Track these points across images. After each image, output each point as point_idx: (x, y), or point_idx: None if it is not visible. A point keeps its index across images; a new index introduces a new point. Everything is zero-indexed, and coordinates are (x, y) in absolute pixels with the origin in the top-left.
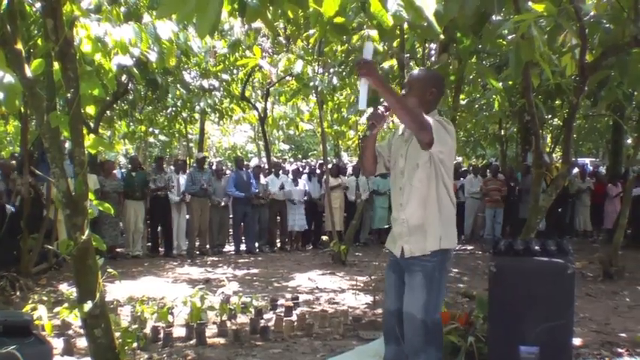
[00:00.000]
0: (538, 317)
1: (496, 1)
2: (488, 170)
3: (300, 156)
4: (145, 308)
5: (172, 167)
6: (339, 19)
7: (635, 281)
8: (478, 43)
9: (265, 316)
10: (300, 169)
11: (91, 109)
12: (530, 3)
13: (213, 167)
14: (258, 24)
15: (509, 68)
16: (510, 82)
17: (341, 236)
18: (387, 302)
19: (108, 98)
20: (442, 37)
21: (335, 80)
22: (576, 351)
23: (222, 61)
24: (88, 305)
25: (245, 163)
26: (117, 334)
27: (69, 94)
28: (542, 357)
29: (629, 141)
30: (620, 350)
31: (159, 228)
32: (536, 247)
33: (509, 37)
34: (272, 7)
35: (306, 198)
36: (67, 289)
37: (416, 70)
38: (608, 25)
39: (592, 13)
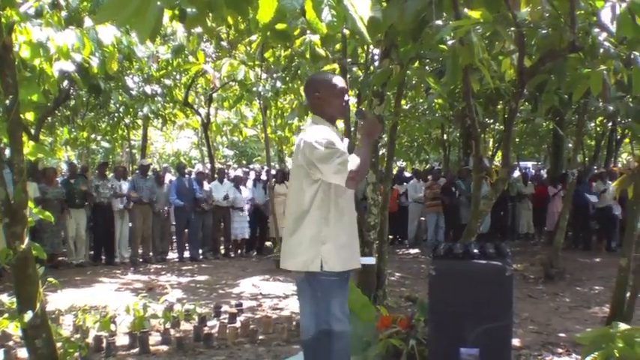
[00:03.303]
0: (478, 319)
1: (434, 7)
2: (430, 175)
3: (244, 162)
4: (87, 317)
5: (112, 174)
6: (280, 26)
7: (576, 282)
8: (420, 49)
9: (209, 323)
10: (243, 176)
11: (30, 116)
12: (466, 10)
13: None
14: (200, 29)
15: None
16: (451, 87)
17: None
18: None
19: (49, 104)
20: (383, 42)
21: (279, 85)
22: (518, 352)
23: (165, 66)
24: (28, 315)
25: (188, 169)
26: (58, 344)
27: (7, 101)
28: (483, 358)
29: (570, 145)
30: (560, 350)
31: (102, 236)
32: (475, 251)
33: (450, 43)
34: (211, 13)
35: (249, 204)
36: (7, 299)
37: None
38: (545, 32)
39: (528, 20)
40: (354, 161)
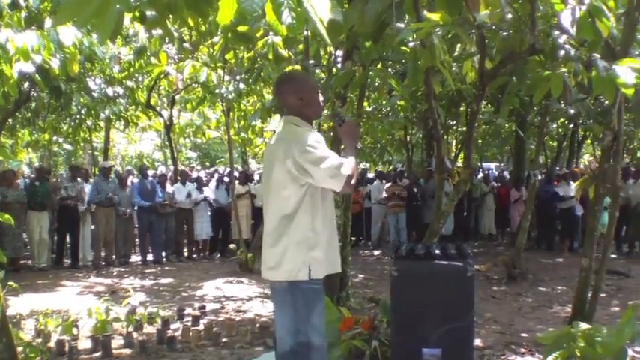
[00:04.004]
0: (440, 319)
1: (395, 10)
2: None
3: (207, 164)
4: (49, 321)
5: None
6: (241, 28)
7: (538, 282)
8: (382, 51)
9: (172, 326)
10: (204, 178)
11: None
12: (425, 12)
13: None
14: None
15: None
16: (413, 89)
17: (248, 244)
18: None
19: (9, 106)
20: (346, 44)
21: (241, 87)
22: (481, 352)
23: (128, 67)
24: None
25: (152, 172)
26: (19, 349)
27: None
28: (445, 358)
29: (533, 146)
30: (522, 350)
31: (67, 238)
32: (437, 251)
33: (412, 45)
34: (171, 15)
35: (213, 205)
36: None
37: None
38: (506, 34)
39: (488, 23)
40: (348, 165)
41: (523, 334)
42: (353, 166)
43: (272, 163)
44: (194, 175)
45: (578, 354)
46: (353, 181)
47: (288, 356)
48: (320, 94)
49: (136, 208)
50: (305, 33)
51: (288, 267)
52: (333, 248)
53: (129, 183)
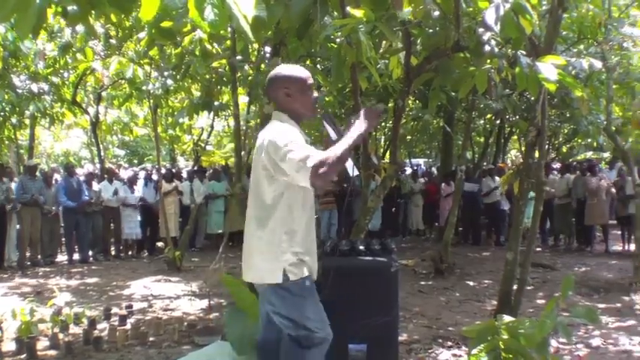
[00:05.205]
0: (365, 315)
1: (319, 6)
2: None
3: (135, 161)
4: None
5: None
6: (165, 23)
7: (465, 277)
8: (310, 47)
9: (99, 326)
10: (133, 175)
11: None
12: (348, 9)
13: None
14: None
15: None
16: (340, 85)
17: (176, 242)
18: None
19: None
20: (273, 40)
21: (169, 83)
22: (408, 346)
23: (53, 63)
24: None
25: (80, 169)
26: None
27: None
28: (371, 354)
29: (461, 142)
30: (450, 343)
31: None
32: (361, 247)
33: (339, 41)
34: (94, 11)
35: (141, 203)
36: None
37: None
38: (432, 31)
39: (411, 19)
40: (320, 156)
41: (450, 328)
42: (329, 156)
43: (255, 160)
44: (129, 173)
45: (502, 346)
46: (324, 170)
47: (290, 345)
48: (312, 91)
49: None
50: (233, 29)
51: (263, 269)
52: (311, 253)
53: (54, 181)
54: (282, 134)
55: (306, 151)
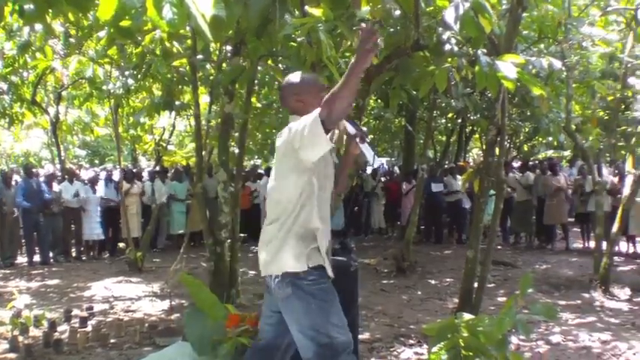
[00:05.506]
0: None
1: (278, 5)
2: None
3: (97, 161)
4: None
5: None
6: (125, 22)
7: (427, 275)
8: (271, 46)
9: (59, 329)
10: (94, 176)
11: None
12: (307, 8)
13: None
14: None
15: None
16: None
17: (138, 243)
18: None
19: None
20: (233, 39)
21: (130, 82)
22: (370, 345)
23: (12, 63)
24: None
25: (36, 170)
26: None
27: None
28: None
29: (423, 140)
30: (411, 342)
31: None
32: None
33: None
34: (50, 9)
35: (102, 204)
36: None
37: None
38: (393, 30)
39: (370, 18)
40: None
41: (412, 326)
42: (333, 90)
43: (275, 162)
44: (90, 174)
45: (462, 344)
46: (332, 100)
47: None
48: (323, 93)
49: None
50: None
51: (284, 259)
52: (325, 248)
53: (14, 182)
54: (295, 125)
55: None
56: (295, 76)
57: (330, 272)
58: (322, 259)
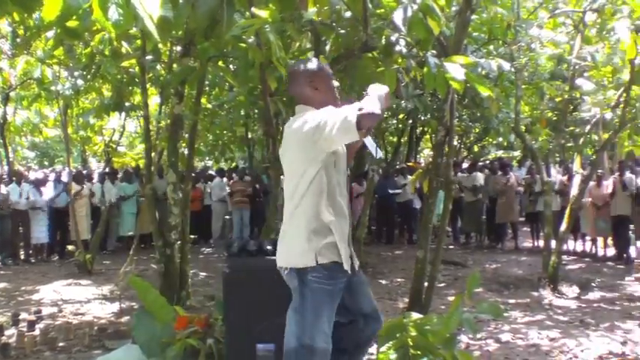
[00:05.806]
0: (273, 315)
1: (226, 6)
2: (234, 173)
3: (46, 163)
4: None
5: None
6: (72, 23)
7: (378, 275)
8: (221, 47)
9: (7, 333)
10: (43, 177)
11: None
12: (253, 9)
13: None
14: None
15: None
16: (251, 85)
17: (87, 245)
18: None
19: None
20: (183, 40)
21: (80, 83)
22: None
23: None
24: None
25: None
26: None
27: None
28: (279, 353)
29: None
30: None
31: None
32: (269, 247)
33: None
34: None
35: (50, 206)
36: None
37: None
38: (344, 32)
39: (318, 19)
40: (352, 108)
41: None
42: (364, 102)
43: (284, 154)
44: (39, 175)
45: (411, 343)
46: (370, 114)
47: (290, 355)
48: (333, 81)
49: None
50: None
51: (294, 253)
52: (344, 241)
53: None
54: (308, 116)
55: (338, 110)
56: (311, 63)
57: (347, 267)
58: (338, 256)
